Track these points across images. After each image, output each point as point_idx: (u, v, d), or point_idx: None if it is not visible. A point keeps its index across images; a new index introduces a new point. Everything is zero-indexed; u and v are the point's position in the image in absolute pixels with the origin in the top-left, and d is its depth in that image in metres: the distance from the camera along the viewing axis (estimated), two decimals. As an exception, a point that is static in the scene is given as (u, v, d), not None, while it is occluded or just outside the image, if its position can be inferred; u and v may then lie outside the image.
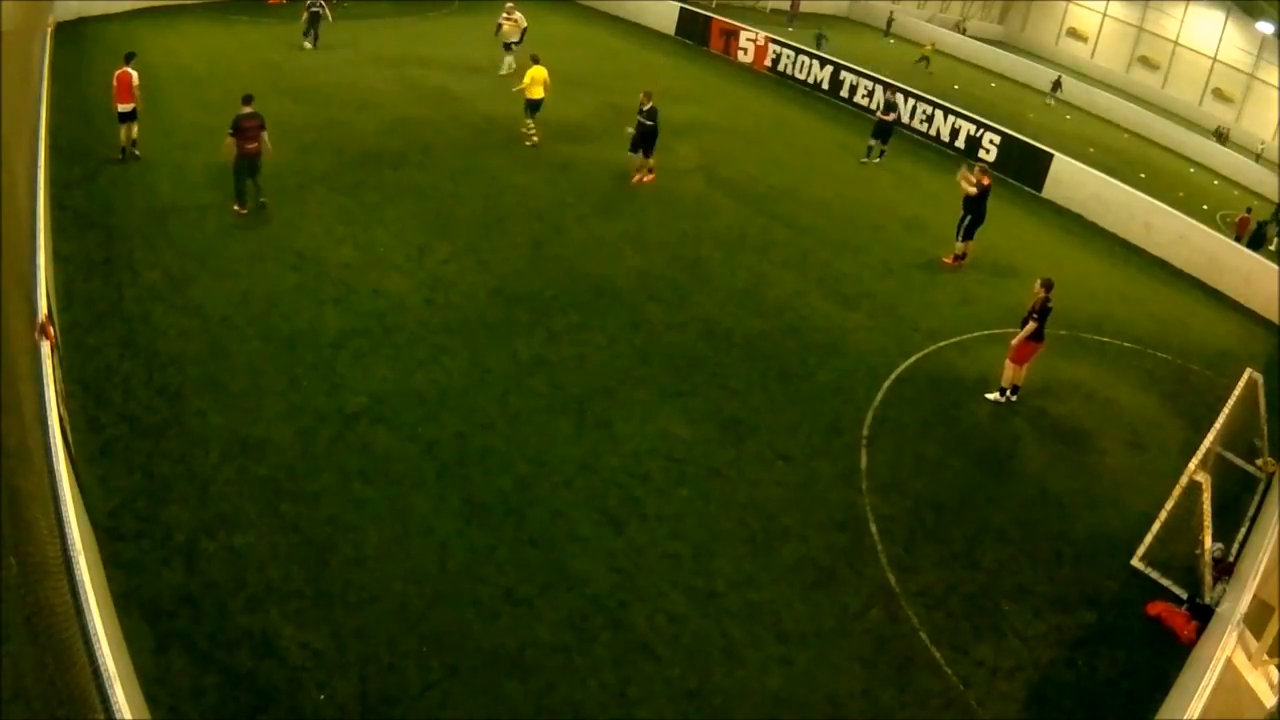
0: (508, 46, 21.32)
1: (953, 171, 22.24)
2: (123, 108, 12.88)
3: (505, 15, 21.37)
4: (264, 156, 12.09)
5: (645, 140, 15.68)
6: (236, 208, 12.02)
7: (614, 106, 20.53)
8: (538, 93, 16.69)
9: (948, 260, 15.50)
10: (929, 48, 37.88)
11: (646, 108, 15.47)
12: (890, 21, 45.87)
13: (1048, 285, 11.07)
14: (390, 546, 7.22)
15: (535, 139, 16.90)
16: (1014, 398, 11.39)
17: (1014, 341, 11.19)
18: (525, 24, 21.54)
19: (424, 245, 12.11)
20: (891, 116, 20.83)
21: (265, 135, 12.06)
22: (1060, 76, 41.07)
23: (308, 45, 20.34)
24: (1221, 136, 40.01)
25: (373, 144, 15.20)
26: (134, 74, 12.88)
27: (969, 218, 15.29)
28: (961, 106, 24.35)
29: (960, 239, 15.43)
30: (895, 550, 8.45)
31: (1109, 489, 10.34)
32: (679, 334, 11.37)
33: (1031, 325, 10.97)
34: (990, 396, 11.30)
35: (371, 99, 17.47)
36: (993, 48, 45.53)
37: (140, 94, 13.04)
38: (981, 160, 15.57)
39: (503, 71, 20.92)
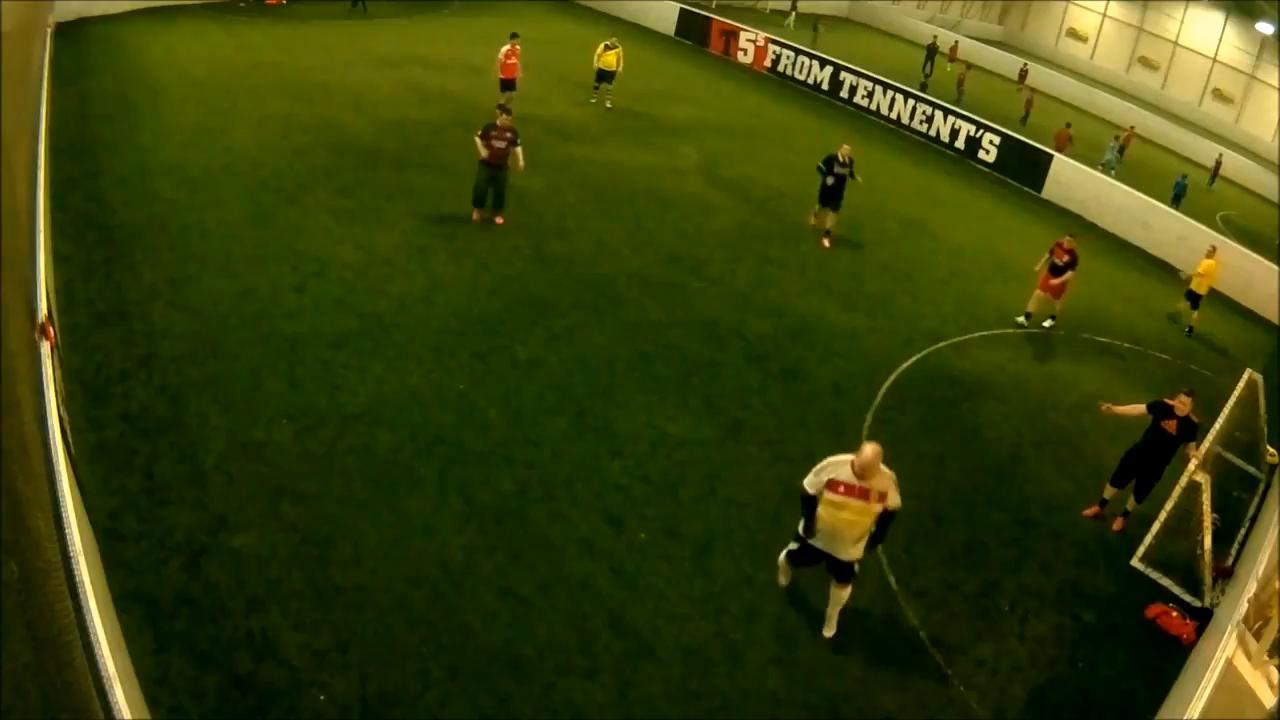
0: (610, 76, 20.36)
1: (954, 172, 22.40)
2: (504, 78, 16.21)
3: (607, 45, 20.27)
4: (508, 171, 12.68)
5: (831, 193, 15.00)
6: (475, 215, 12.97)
7: (614, 107, 20.55)
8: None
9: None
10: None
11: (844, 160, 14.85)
12: (933, 49, 34.34)
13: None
14: (390, 546, 7.21)
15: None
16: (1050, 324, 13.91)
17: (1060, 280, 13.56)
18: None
19: (424, 245, 12.11)
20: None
21: (518, 150, 12.56)
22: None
23: (359, 8, 23.41)
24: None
25: (373, 144, 15.20)
26: (514, 49, 15.48)
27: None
28: (961, 107, 24.40)
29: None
30: (895, 550, 8.44)
31: (1109, 489, 10.33)
32: (679, 334, 11.37)
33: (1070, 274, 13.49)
34: (1046, 324, 13.93)
35: (371, 99, 17.47)
36: (992, 47, 45.48)
37: (520, 67, 16.28)
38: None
39: (608, 105, 20.45)
